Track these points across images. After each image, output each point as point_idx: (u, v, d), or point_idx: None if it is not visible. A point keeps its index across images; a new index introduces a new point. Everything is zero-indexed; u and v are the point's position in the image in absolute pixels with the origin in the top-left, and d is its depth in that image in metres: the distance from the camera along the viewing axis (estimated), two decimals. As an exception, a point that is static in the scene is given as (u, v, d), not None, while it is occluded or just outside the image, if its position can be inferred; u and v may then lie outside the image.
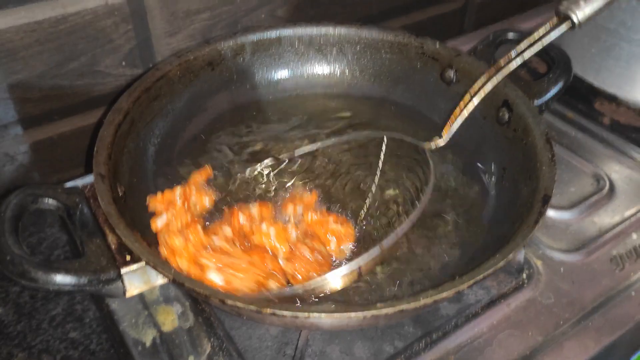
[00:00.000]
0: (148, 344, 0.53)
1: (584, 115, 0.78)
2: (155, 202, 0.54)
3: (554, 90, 0.59)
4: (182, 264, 0.48)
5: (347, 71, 0.71)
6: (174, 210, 0.53)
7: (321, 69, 0.69)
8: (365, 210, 0.59)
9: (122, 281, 0.46)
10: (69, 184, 0.66)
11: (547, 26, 0.54)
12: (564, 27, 0.52)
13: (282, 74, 0.71)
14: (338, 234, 0.55)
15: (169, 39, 0.71)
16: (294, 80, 0.71)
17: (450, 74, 0.61)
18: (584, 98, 0.79)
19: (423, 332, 0.54)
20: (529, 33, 0.54)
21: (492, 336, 0.55)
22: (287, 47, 0.69)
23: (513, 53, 0.55)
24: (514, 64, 0.55)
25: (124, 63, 0.70)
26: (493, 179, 0.61)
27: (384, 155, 0.62)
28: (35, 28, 0.61)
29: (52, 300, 0.59)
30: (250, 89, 0.69)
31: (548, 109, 0.60)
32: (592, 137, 0.76)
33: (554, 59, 0.61)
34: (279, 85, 0.70)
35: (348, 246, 0.55)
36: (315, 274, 0.50)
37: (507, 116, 0.60)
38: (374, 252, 0.49)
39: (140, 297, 0.56)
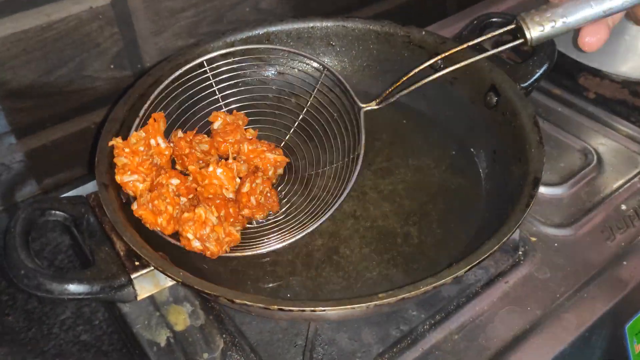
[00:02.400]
0: (163, 343, 0.55)
1: (569, 90, 0.80)
2: (120, 152, 0.55)
3: (539, 72, 0.60)
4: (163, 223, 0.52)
5: (336, 63, 0.72)
6: (140, 162, 0.55)
7: (310, 62, 0.70)
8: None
9: (133, 286, 0.48)
10: (71, 193, 0.67)
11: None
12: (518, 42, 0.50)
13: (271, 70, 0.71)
14: (274, 162, 0.60)
15: (155, 38, 0.72)
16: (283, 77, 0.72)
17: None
18: (568, 74, 0.80)
19: (426, 314, 0.56)
20: (513, 16, 0.55)
21: (493, 313, 0.56)
22: (275, 44, 0.69)
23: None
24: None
25: (112, 66, 0.70)
26: (485, 163, 0.62)
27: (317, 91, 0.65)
28: (21, 37, 0.62)
29: (60, 304, 0.60)
30: (244, 86, 0.70)
31: (531, 91, 0.62)
32: (578, 112, 0.77)
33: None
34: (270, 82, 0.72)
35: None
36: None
37: (494, 100, 0.61)
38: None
39: (151, 298, 0.58)
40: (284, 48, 0.67)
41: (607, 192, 0.67)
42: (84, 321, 0.60)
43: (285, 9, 0.81)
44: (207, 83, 0.66)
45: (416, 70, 0.57)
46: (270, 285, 0.55)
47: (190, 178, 0.58)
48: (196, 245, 0.52)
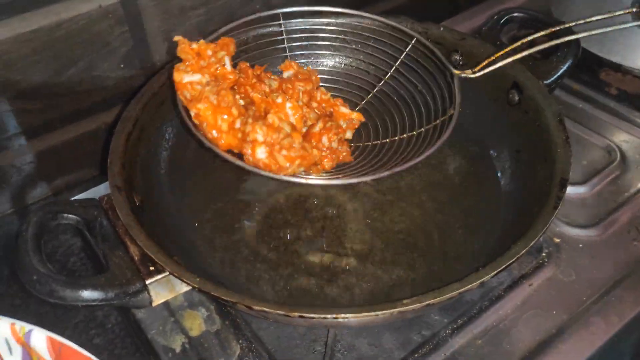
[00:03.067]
0: (178, 349, 0.53)
1: (590, 86, 0.78)
2: (187, 48, 0.52)
3: (563, 68, 0.58)
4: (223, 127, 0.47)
5: (351, 60, 0.70)
6: (205, 69, 0.51)
7: (325, 60, 0.68)
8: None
9: (148, 292, 0.46)
10: (82, 195, 0.66)
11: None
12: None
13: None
14: (348, 117, 0.56)
15: (165, 37, 0.70)
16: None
17: (456, 57, 0.60)
18: (589, 69, 0.78)
19: (449, 319, 0.54)
20: (535, 11, 0.53)
21: (517, 317, 0.55)
22: (289, 40, 0.68)
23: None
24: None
25: (122, 65, 0.69)
26: (507, 163, 0.60)
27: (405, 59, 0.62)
28: (30, 37, 0.61)
29: (72, 308, 0.59)
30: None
31: (555, 89, 0.60)
32: (600, 108, 0.75)
33: (560, 36, 0.60)
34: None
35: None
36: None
37: (517, 98, 0.59)
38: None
39: (165, 304, 0.56)
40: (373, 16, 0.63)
41: (633, 191, 0.65)
42: (97, 325, 0.58)
43: (298, 3, 0.80)
44: (279, 38, 0.64)
45: (517, 43, 0.56)
46: (288, 289, 0.54)
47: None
48: (261, 156, 0.46)
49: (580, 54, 0.59)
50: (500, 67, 0.57)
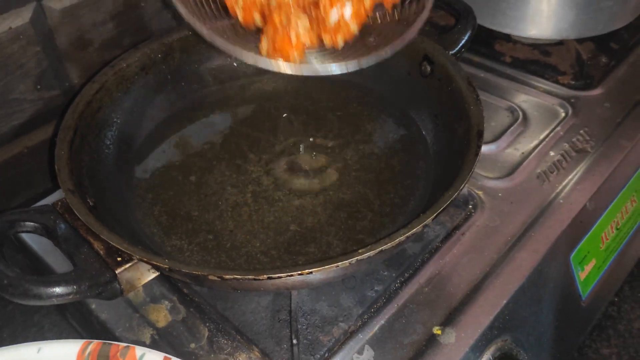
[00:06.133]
0: (148, 341, 0.55)
1: (488, 57, 0.86)
2: None
3: (465, 39, 0.65)
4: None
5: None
6: None
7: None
8: None
9: (118, 282, 0.48)
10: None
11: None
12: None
13: (216, 62, 0.73)
14: None
15: (80, 53, 0.71)
16: (236, 69, 0.74)
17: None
18: (484, 42, 0.87)
19: (397, 272, 0.59)
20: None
21: (455, 263, 0.61)
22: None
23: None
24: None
25: (39, 86, 0.69)
26: (429, 126, 0.67)
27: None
28: (-58, 66, 0.60)
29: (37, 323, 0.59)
30: (187, 85, 0.71)
31: (460, 58, 0.67)
32: (499, 75, 0.84)
33: (458, 11, 0.67)
34: (222, 74, 0.73)
35: None
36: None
37: (429, 69, 0.66)
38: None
39: (127, 302, 0.58)
40: None
41: (536, 143, 0.73)
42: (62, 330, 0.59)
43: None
44: None
45: None
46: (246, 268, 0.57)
47: None
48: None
49: (476, 25, 0.67)
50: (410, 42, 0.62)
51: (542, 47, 0.86)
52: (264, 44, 0.53)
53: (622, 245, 0.72)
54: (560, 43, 0.86)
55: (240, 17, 0.55)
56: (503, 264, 0.61)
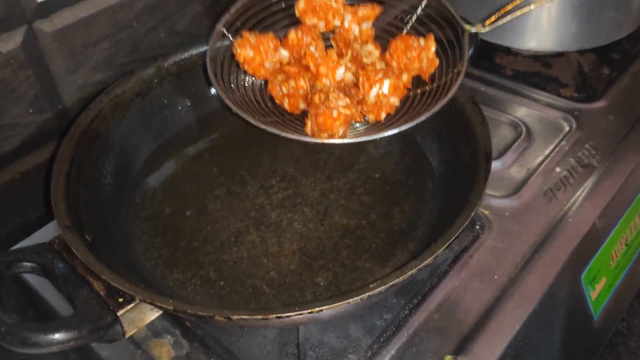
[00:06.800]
0: (151, 379, 0.53)
1: (489, 70, 0.85)
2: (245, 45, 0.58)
3: (466, 56, 0.64)
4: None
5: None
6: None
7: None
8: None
9: (120, 323, 0.46)
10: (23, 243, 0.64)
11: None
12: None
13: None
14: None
15: (73, 76, 0.69)
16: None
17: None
18: (485, 55, 0.86)
19: (405, 300, 0.58)
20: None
21: (465, 287, 0.59)
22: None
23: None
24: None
25: (31, 110, 0.67)
26: (435, 150, 0.65)
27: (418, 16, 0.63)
28: None
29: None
30: (184, 108, 0.70)
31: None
32: (500, 88, 0.82)
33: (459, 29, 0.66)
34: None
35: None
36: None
37: (432, 88, 0.64)
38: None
39: (130, 338, 0.56)
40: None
41: (541, 158, 0.72)
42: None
43: (200, 29, 0.81)
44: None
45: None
46: (253, 304, 0.55)
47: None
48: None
49: (479, 42, 0.65)
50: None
51: (543, 59, 0.85)
52: (309, 125, 0.55)
53: (632, 262, 0.71)
54: (561, 54, 0.85)
55: (286, 105, 0.59)
56: (513, 287, 0.59)
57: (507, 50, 0.86)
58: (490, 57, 0.86)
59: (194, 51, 0.69)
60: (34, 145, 0.69)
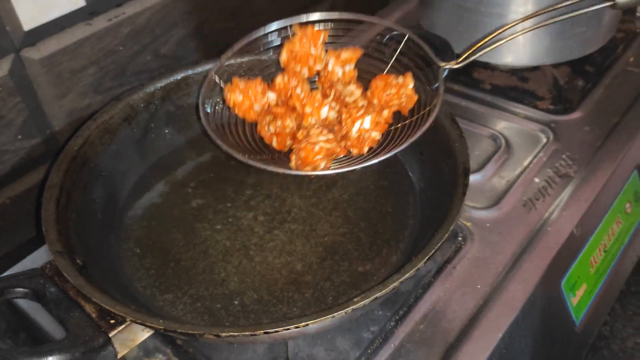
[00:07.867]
0: (144, 398, 0.54)
1: (468, 85, 0.87)
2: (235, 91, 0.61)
3: (445, 73, 0.66)
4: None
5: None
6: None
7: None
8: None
9: (112, 345, 0.48)
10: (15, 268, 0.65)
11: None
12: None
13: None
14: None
15: (61, 101, 0.70)
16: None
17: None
18: (463, 70, 0.87)
19: (391, 312, 0.59)
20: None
21: (449, 297, 0.61)
22: (193, 85, 0.71)
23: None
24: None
25: (19, 136, 0.68)
26: (415, 166, 0.67)
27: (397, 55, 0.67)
28: None
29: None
30: (170, 132, 0.71)
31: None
32: (479, 103, 0.85)
33: (437, 46, 0.68)
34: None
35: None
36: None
37: (410, 107, 0.66)
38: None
39: (121, 358, 0.57)
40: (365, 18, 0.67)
41: (520, 170, 0.74)
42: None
43: (186, 53, 0.83)
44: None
45: (498, 31, 0.64)
46: (242, 321, 0.56)
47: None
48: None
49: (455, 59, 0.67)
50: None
51: (520, 73, 0.88)
52: (293, 161, 0.58)
53: (611, 267, 0.73)
54: (536, 68, 0.88)
55: (274, 144, 0.62)
56: (496, 296, 0.61)
57: (485, 65, 0.89)
58: (469, 72, 0.88)
59: (179, 75, 0.71)
60: (23, 170, 0.70)
